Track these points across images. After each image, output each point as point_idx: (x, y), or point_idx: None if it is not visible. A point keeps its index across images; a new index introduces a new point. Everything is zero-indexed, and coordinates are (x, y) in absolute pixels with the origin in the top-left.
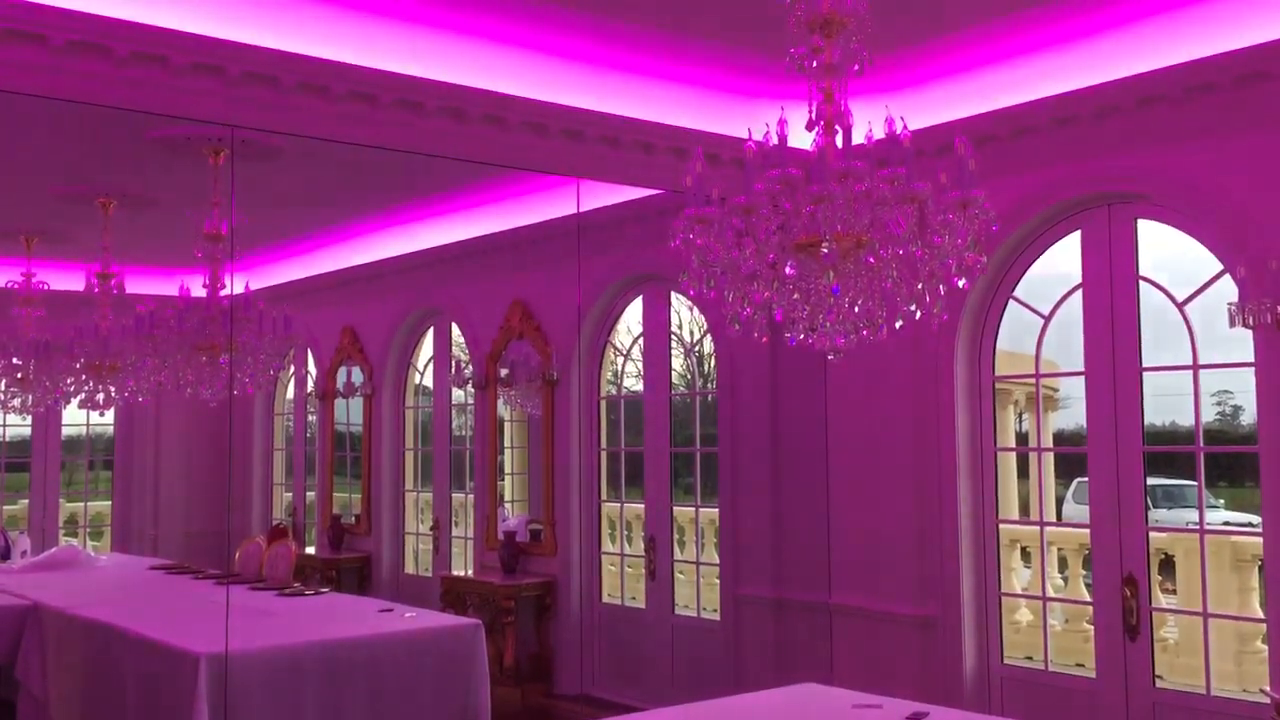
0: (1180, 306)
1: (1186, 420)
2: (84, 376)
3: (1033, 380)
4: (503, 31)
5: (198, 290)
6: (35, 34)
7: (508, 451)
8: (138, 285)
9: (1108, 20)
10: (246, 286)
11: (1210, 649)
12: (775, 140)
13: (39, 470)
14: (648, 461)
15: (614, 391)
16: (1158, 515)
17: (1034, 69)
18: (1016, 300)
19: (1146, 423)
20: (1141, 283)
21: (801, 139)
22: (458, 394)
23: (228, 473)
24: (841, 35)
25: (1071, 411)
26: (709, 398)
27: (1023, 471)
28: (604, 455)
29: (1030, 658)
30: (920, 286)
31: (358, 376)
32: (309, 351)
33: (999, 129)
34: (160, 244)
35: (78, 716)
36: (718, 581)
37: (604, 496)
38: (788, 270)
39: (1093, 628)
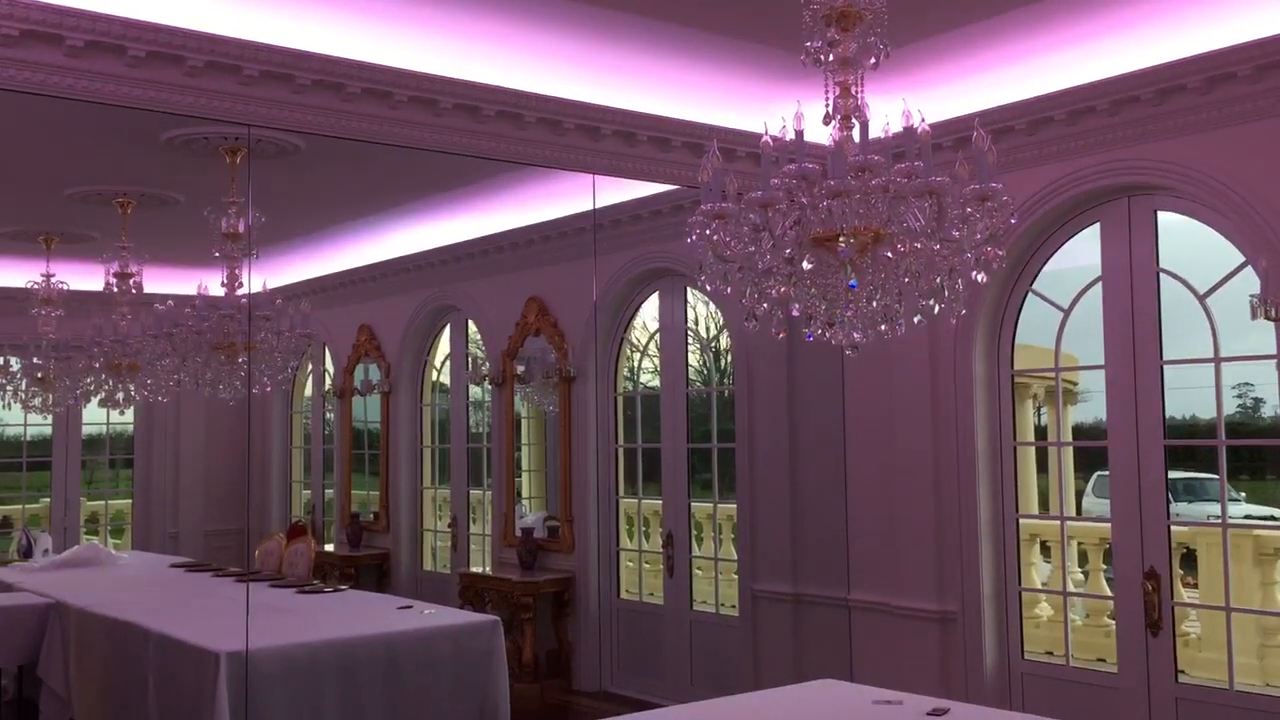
0: (1201, 299)
1: (1206, 413)
2: (104, 376)
3: (1051, 374)
4: (516, 29)
5: (216, 289)
6: (52, 35)
7: (525, 448)
8: (156, 284)
9: (1126, 10)
10: (264, 285)
11: (1233, 643)
12: (792, 134)
13: (60, 469)
14: (665, 458)
15: (631, 388)
16: (1178, 509)
17: (1052, 60)
18: (1035, 293)
19: (1166, 415)
20: (1162, 275)
21: (819, 133)
22: (475, 391)
23: (247, 471)
24: (858, 28)
25: (1091, 405)
26: (726, 393)
27: (1041, 465)
28: (621, 451)
29: (1051, 653)
30: (938, 281)
31: (375, 374)
32: (326, 349)
33: (1017, 120)
34: (178, 243)
35: (99, 714)
36: (736, 578)
37: (621, 493)
38: (805, 265)
39: (1114, 623)
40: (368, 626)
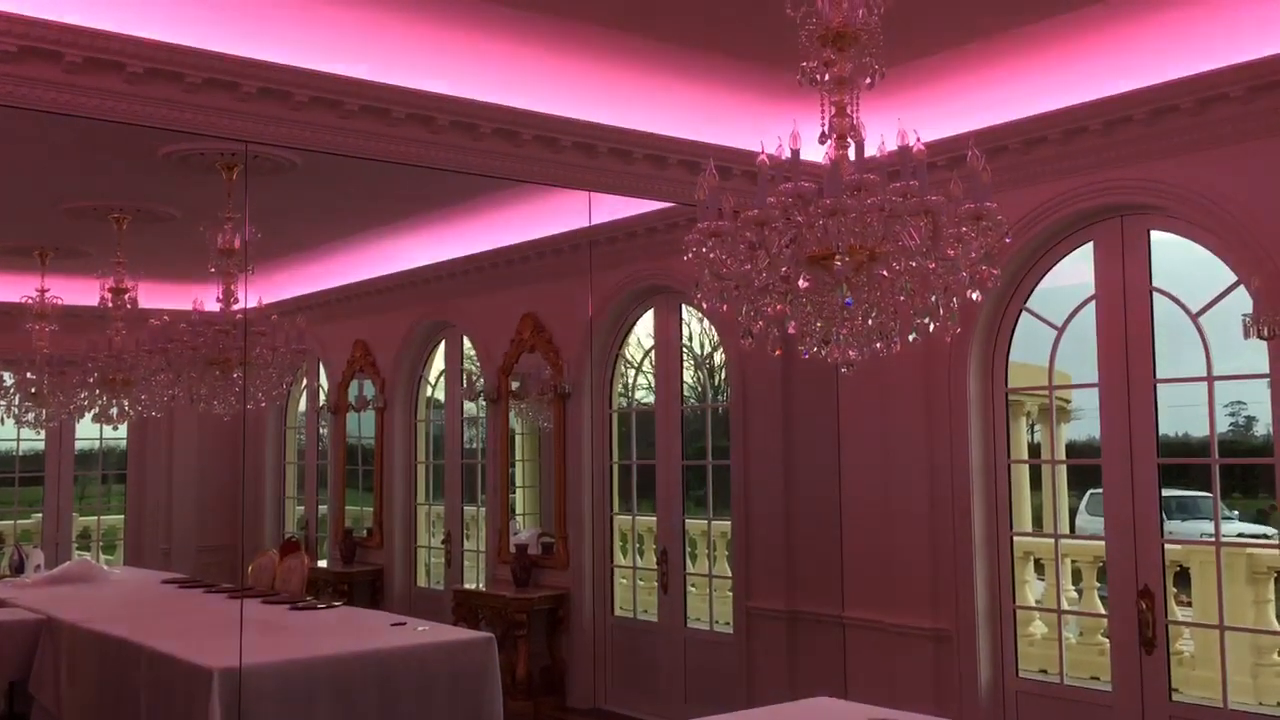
0: (1194, 318)
1: (1199, 431)
2: (97, 391)
3: (1045, 392)
4: (513, 47)
5: (211, 304)
6: (51, 51)
7: (519, 464)
8: (151, 300)
9: (1119, 31)
10: (259, 301)
11: (1227, 662)
12: (788, 153)
13: (53, 484)
14: (659, 474)
15: (625, 404)
16: (1172, 527)
17: (1046, 81)
18: (1029, 312)
19: (1159, 434)
20: (1155, 294)
21: (814, 152)
22: (469, 407)
23: (240, 487)
24: (854, 49)
25: (1084, 423)
26: (721, 410)
27: (1035, 483)
28: (616, 468)
29: (1045, 671)
30: (933, 299)
31: (369, 390)
32: (321, 365)
33: (1011, 140)
34: (174, 259)
35: None
36: (730, 595)
37: (616, 509)
38: (801, 283)
39: (1108, 640)
40: (361, 643)
